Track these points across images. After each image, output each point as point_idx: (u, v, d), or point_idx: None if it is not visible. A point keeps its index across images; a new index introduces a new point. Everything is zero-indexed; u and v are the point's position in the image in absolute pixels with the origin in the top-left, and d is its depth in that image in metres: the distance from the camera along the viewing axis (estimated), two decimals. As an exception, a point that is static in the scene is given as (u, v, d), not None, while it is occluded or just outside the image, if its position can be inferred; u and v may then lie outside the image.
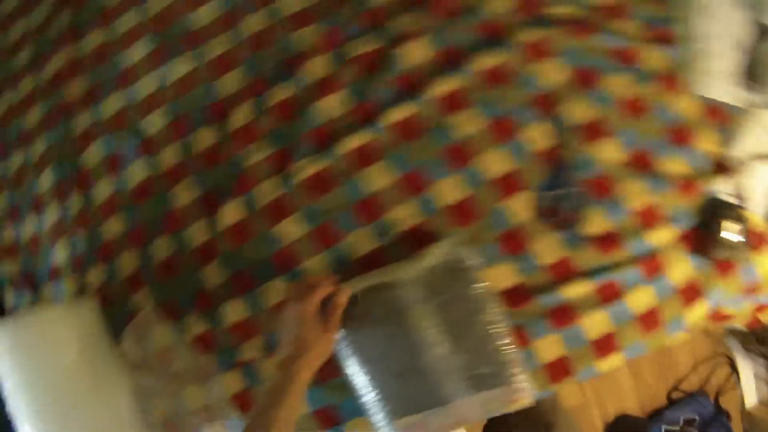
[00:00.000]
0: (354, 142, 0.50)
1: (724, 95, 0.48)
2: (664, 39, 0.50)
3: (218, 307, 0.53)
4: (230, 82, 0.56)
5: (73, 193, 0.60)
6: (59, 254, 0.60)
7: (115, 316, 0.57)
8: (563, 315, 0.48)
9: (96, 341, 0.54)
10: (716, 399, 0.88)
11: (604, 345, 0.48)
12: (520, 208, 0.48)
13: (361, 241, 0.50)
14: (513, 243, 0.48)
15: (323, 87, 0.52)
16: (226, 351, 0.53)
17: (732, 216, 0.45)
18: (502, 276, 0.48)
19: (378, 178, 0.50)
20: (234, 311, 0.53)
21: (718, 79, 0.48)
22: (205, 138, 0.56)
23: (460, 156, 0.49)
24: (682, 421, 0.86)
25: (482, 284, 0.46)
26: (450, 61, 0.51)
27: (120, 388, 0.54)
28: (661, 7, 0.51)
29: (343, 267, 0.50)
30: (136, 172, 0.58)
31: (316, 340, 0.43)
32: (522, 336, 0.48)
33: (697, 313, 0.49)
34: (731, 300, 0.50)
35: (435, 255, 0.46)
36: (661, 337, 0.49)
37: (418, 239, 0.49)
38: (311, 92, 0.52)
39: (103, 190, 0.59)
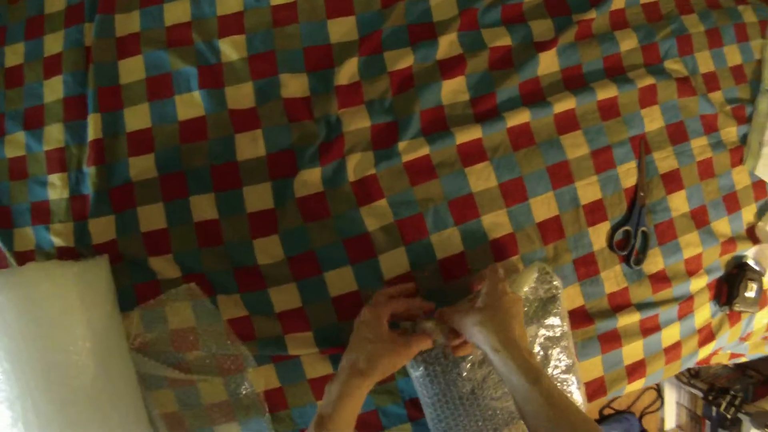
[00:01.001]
0: (467, 135, 0.47)
1: (767, 176, 0.57)
2: (737, 116, 0.57)
3: (266, 290, 0.45)
4: (341, 28, 0.48)
5: (92, 115, 0.46)
6: (53, 191, 0.46)
7: (122, 283, 0.45)
8: (611, 341, 0.52)
9: (105, 312, 0.42)
10: (641, 418, 1.05)
11: (636, 371, 0.53)
12: (599, 237, 0.51)
13: (445, 242, 0.47)
14: (587, 268, 0.51)
15: (448, 68, 0.48)
16: (266, 342, 0.46)
17: (754, 278, 0.54)
18: (571, 297, 0.50)
19: (481, 179, 0.48)
20: (286, 298, 0.45)
21: (766, 162, 0.56)
22: (294, 85, 0.47)
23: (562, 176, 0.50)
24: None
25: (563, 310, 0.46)
26: (572, 81, 0.51)
27: (126, 369, 0.43)
28: (742, 89, 0.58)
29: (421, 267, 0.46)
30: (191, 104, 0.46)
31: (386, 360, 0.38)
32: (571, 354, 0.51)
33: (706, 352, 0.57)
34: (728, 345, 0.60)
35: (527, 281, 0.45)
36: (676, 368, 0.56)
37: (500, 250, 0.48)
38: (434, 69, 0.48)
39: (137, 116, 0.46)
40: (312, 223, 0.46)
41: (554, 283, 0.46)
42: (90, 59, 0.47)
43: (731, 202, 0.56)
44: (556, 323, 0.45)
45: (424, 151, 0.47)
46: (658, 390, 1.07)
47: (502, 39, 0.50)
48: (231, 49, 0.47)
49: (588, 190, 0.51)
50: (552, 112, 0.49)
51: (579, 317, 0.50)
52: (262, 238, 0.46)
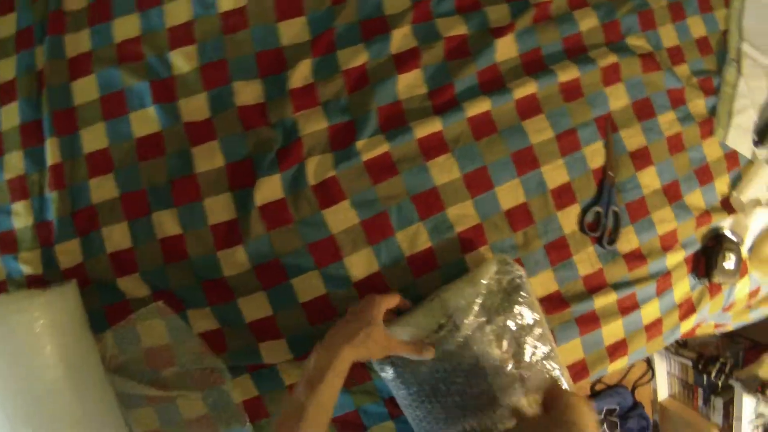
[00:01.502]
0: (426, 128, 0.47)
1: (739, 146, 0.56)
2: (705, 88, 0.56)
3: (235, 301, 0.45)
4: (292, 30, 0.47)
5: (49, 140, 0.45)
6: (17, 220, 0.46)
7: (93, 305, 0.45)
8: (589, 322, 0.52)
9: (76, 337, 0.42)
10: (633, 391, 1.06)
11: (616, 350, 0.53)
12: (569, 220, 0.51)
13: (412, 238, 0.47)
14: (558, 252, 0.50)
15: (402, 62, 0.47)
16: (239, 353, 0.46)
17: (732, 249, 0.54)
18: (544, 283, 0.50)
19: (444, 171, 0.47)
20: (255, 307, 0.45)
21: (737, 132, 0.55)
22: (248, 92, 0.46)
23: (527, 162, 0.49)
24: (604, 411, 1.00)
25: (531, 298, 0.46)
26: (532, 65, 0.50)
27: (103, 392, 0.43)
28: (708, 60, 0.57)
29: (389, 267, 0.46)
30: (146, 120, 0.46)
31: (376, 337, 0.39)
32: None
33: (687, 325, 0.57)
34: (711, 317, 0.60)
35: (486, 273, 0.44)
36: (658, 345, 0.56)
37: (468, 241, 0.48)
38: (388, 64, 0.47)
39: (94, 137, 0.46)
40: (275, 231, 0.45)
41: (516, 272, 0.45)
42: (43, 83, 0.47)
43: (703, 175, 0.55)
44: (524, 312, 0.45)
45: (384, 148, 0.46)
46: (648, 362, 1.07)
47: (458, 28, 0.49)
48: (182, 61, 0.47)
49: (555, 173, 0.50)
50: (513, 98, 0.49)
51: (554, 302, 0.50)
52: (226, 250, 0.45)
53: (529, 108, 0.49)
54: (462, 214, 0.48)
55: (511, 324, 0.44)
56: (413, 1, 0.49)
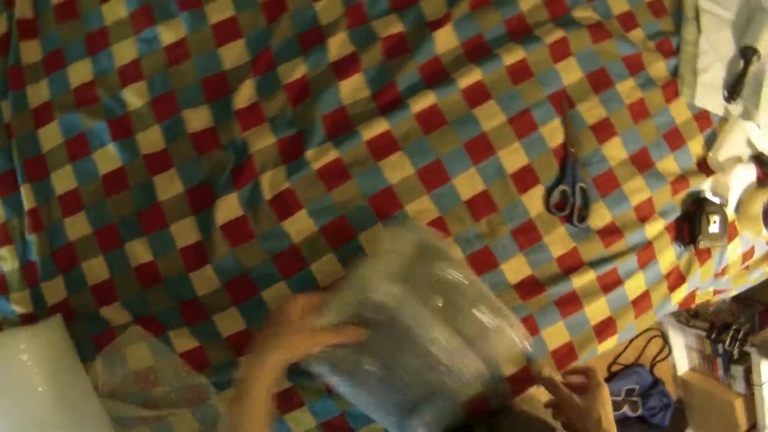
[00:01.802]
0: (373, 130, 0.47)
1: (709, 104, 0.53)
2: (664, 50, 0.54)
3: (211, 319, 0.47)
4: (232, 53, 0.48)
5: (24, 186, 0.48)
6: (5, 264, 0.49)
7: (81, 336, 0.48)
8: (570, 303, 0.50)
9: (65, 367, 0.45)
10: (651, 369, 1.01)
11: (604, 329, 0.52)
12: (534, 202, 0.50)
13: (373, 239, 0.47)
14: (527, 236, 0.49)
15: (342, 68, 0.48)
16: (221, 368, 0.47)
17: (715, 211, 0.51)
18: (516, 269, 0.49)
19: (396, 170, 0.47)
20: (230, 323, 0.47)
21: (705, 90, 0.53)
22: (196, 119, 0.48)
23: (481, 149, 0.49)
24: (624, 392, 0.96)
25: (457, 261, 0.42)
26: (475, 53, 0.50)
27: (98, 419, 0.45)
28: (664, 22, 0.55)
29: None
30: (107, 158, 0.48)
31: (299, 333, 0.37)
32: (532, 326, 0.49)
33: (679, 296, 0.55)
34: (704, 284, 0.57)
35: (390, 242, 0.40)
36: (649, 319, 0.54)
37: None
38: (328, 73, 0.48)
39: (63, 179, 0.49)
40: (239, 247, 0.47)
41: (422, 234, 0.42)
42: (12, 134, 0.50)
43: (674, 138, 0.53)
44: (448, 271, 0.41)
45: (333, 155, 0.47)
46: (664, 336, 1.03)
47: (394, 26, 0.49)
48: (134, 97, 0.49)
49: (512, 157, 0.49)
50: (458, 88, 0.48)
51: (529, 287, 0.49)
52: (196, 271, 0.47)
53: (477, 95, 0.49)
54: (420, 209, 0.48)
55: (436, 283, 0.41)
56: (346, 6, 0.49)
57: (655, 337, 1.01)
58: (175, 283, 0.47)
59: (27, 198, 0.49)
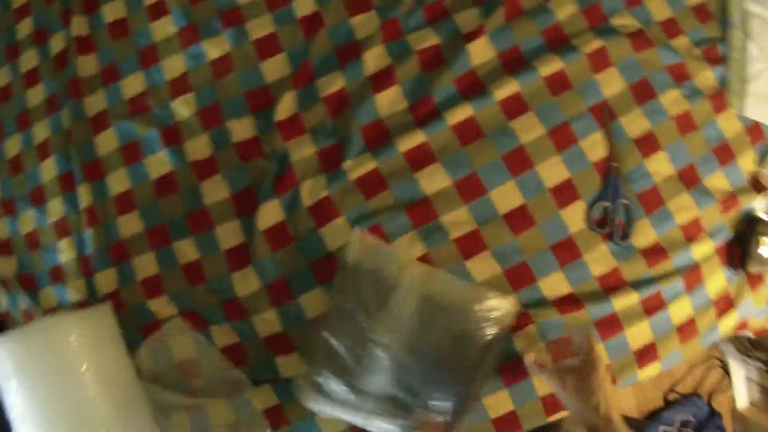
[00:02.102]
0: (410, 141, 0.48)
1: (760, 116, 0.50)
2: (711, 59, 0.52)
3: (251, 317, 0.48)
4: (274, 67, 0.51)
5: (81, 186, 0.52)
6: (63, 255, 0.53)
7: (129, 326, 0.50)
8: (610, 326, 0.48)
9: (111, 352, 0.48)
10: (709, 400, 0.94)
11: (645, 354, 0.49)
12: (574, 218, 0.49)
13: (407, 246, 0.47)
14: (566, 253, 0.48)
15: (379, 81, 0.49)
16: (258, 366, 0.49)
17: (767, 232, 0.48)
18: (555, 285, 0.48)
19: (433, 181, 0.48)
20: (267, 323, 0.48)
21: (756, 101, 0.50)
22: (241, 129, 0.51)
23: (519, 162, 0.48)
24: (678, 422, 0.90)
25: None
26: (512, 64, 0.49)
27: (139, 404, 0.48)
28: (709, 27, 0.52)
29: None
30: (159, 163, 0.52)
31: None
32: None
33: (728, 323, 0.51)
34: (757, 311, 0.53)
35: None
36: (696, 347, 0.51)
37: (466, 248, 0.47)
38: (365, 85, 0.49)
39: (118, 182, 0.52)
40: (279, 251, 0.48)
41: None
42: (71, 140, 0.54)
43: (723, 153, 0.51)
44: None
45: (371, 165, 0.48)
46: (724, 367, 0.96)
47: (429, 39, 0.50)
48: (183, 108, 0.52)
49: (552, 171, 0.48)
50: (495, 100, 0.48)
51: (568, 302, 0.48)
52: (238, 272, 0.49)
53: (515, 107, 0.49)
54: (457, 221, 0.47)
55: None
56: (382, 20, 0.50)
57: (716, 367, 0.95)
58: (219, 282, 0.49)
59: (85, 196, 0.53)
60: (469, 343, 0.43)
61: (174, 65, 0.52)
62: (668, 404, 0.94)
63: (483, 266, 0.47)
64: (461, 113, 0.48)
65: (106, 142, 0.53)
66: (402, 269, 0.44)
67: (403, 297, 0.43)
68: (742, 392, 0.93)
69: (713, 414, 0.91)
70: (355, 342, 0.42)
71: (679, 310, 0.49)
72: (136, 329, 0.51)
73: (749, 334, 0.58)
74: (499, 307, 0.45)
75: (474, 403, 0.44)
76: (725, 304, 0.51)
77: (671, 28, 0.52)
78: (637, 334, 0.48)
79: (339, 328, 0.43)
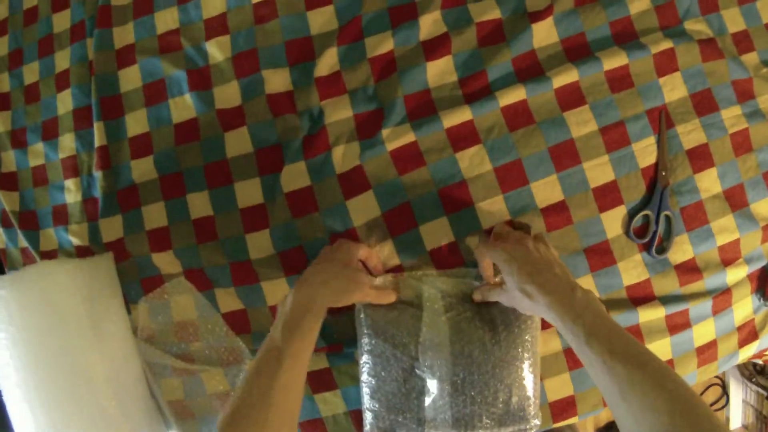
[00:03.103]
0: (455, 118, 0.45)
1: (821, 146, 0.48)
2: (779, 78, 0.49)
3: (259, 284, 0.46)
4: (320, 18, 0.47)
5: (97, 123, 0.49)
6: (69, 195, 0.50)
7: (130, 278, 0.48)
8: (631, 337, 0.47)
9: (108, 304, 0.45)
10: None
11: (662, 372, 0.48)
12: (613, 223, 0.46)
13: (437, 232, 0.44)
14: (600, 258, 0.46)
15: (432, 48, 0.45)
16: (260, 335, 0.46)
17: (807, 265, 0.46)
18: (582, 289, 0.46)
19: (474, 164, 0.45)
20: (277, 292, 0.46)
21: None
22: (276, 80, 0.47)
23: (566, 156, 0.45)
24: None
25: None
26: (575, 52, 0.46)
27: (129, 358, 0.45)
28: (783, 47, 0.50)
29: (410, 259, 0.44)
30: (183, 107, 0.48)
31: (353, 278, 0.37)
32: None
33: (748, 352, 0.50)
34: (779, 343, 0.52)
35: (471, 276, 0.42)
36: (712, 371, 0.50)
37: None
38: (417, 51, 0.46)
39: (136, 122, 0.49)
40: (300, 218, 0.45)
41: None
42: (92, 71, 0.50)
43: (775, 178, 0.48)
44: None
45: (410, 137, 0.45)
46: (724, 386, 0.96)
47: (491, 12, 0.46)
48: (217, 51, 0.48)
49: (598, 171, 0.46)
50: (551, 87, 0.45)
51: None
52: (254, 233, 0.46)
53: (571, 98, 0.46)
54: (491, 210, 0.45)
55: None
56: (446, -17, 0.47)
57: (714, 385, 0.95)
58: (231, 243, 0.47)
59: (99, 135, 0.49)
60: (507, 334, 0.41)
61: (213, 2, 0.48)
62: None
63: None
64: (514, 95, 0.45)
65: (130, 77, 0.49)
66: (417, 291, 0.43)
67: (430, 317, 0.41)
68: (737, 414, 0.93)
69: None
70: (404, 381, 0.41)
71: (703, 332, 0.48)
72: (136, 282, 0.48)
73: (760, 361, 0.56)
74: None
75: (539, 384, 0.43)
76: (749, 333, 0.49)
77: (743, 42, 0.49)
78: (657, 351, 0.47)
79: (383, 375, 0.41)
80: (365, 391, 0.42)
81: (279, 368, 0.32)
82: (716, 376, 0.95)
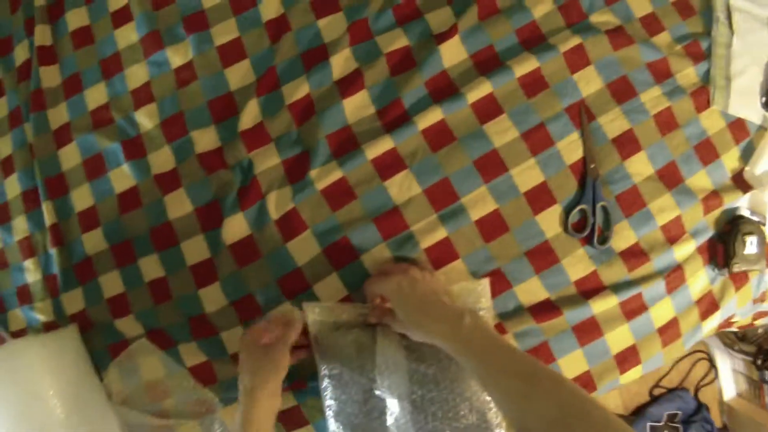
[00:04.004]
0: (378, 148, 0.46)
1: (744, 112, 0.49)
2: (693, 55, 0.50)
3: (219, 335, 0.47)
4: (238, 74, 0.49)
5: (45, 203, 0.51)
6: (29, 275, 0.52)
7: (97, 346, 0.49)
8: (588, 330, 0.47)
9: (78, 375, 0.47)
10: (696, 393, 0.94)
11: (627, 359, 0.48)
12: (550, 222, 0.47)
13: (376, 259, 0.45)
14: (543, 259, 0.47)
15: (346, 86, 0.47)
16: (228, 384, 0.47)
17: (751, 231, 0.47)
18: (531, 292, 0.47)
19: (403, 189, 0.46)
20: (236, 341, 0.47)
21: (740, 97, 0.48)
22: (204, 139, 0.49)
23: (492, 167, 0.46)
24: (665, 417, 0.90)
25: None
26: (485, 65, 0.47)
27: (111, 424, 0.47)
28: (691, 23, 0.50)
29: (358, 289, 0.45)
30: (122, 177, 0.50)
31: (266, 365, 0.39)
32: (546, 354, 0.47)
33: (712, 323, 0.50)
34: (742, 310, 0.52)
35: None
36: (678, 349, 0.50)
37: (437, 257, 0.46)
38: (332, 91, 0.47)
39: (81, 198, 0.51)
40: (246, 267, 0.47)
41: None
42: (34, 154, 0.52)
43: (706, 151, 0.49)
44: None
45: (338, 174, 0.46)
46: (710, 359, 0.96)
47: (398, 41, 0.48)
48: (146, 119, 0.50)
49: (526, 175, 0.47)
50: (467, 103, 0.46)
51: (544, 309, 0.47)
52: (205, 288, 0.48)
53: (488, 110, 0.47)
54: (427, 230, 0.46)
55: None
56: (350, 22, 0.48)
57: (701, 360, 0.94)
58: (185, 299, 0.48)
59: (48, 214, 0.51)
60: None
61: (137, 74, 0.50)
62: (654, 399, 0.94)
63: (455, 275, 0.46)
64: (432, 117, 0.46)
65: (69, 156, 0.51)
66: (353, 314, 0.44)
67: (382, 338, 0.42)
68: (729, 384, 0.92)
69: (700, 407, 0.91)
70: (364, 402, 0.42)
71: (661, 312, 0.48)
72: (104, 349, 0.50)
73: (734, 329, 0.57)
74: (469, 291, 0.44)
75: None
76: (709, 304, 0.50)
77: (652, 24, 0.50)
78: (617, 338, 0.47)
79: (343, 398, 0.42)
80: (329, 414, 0.43)
81: None
82: (701, 350, 0.95)
